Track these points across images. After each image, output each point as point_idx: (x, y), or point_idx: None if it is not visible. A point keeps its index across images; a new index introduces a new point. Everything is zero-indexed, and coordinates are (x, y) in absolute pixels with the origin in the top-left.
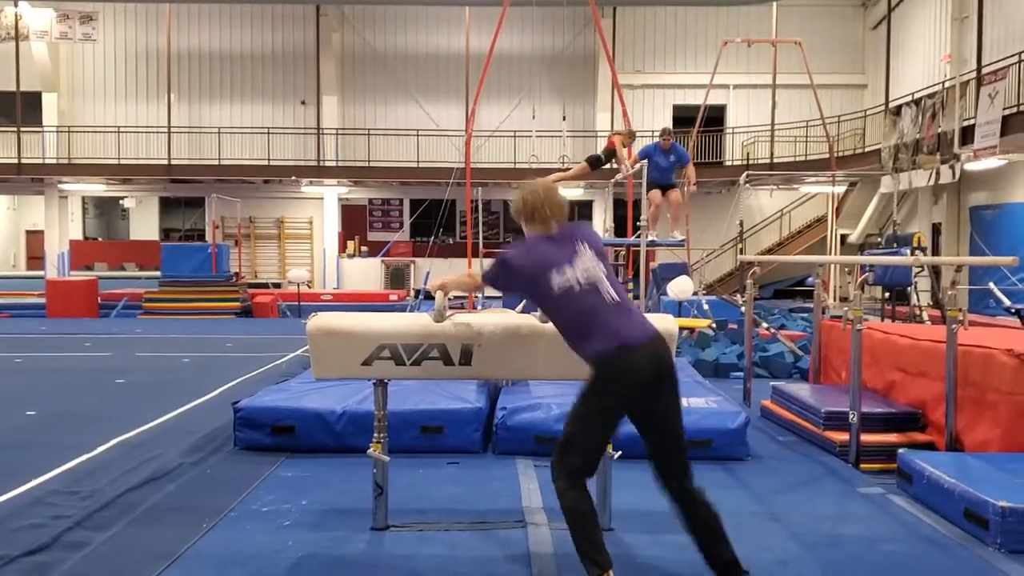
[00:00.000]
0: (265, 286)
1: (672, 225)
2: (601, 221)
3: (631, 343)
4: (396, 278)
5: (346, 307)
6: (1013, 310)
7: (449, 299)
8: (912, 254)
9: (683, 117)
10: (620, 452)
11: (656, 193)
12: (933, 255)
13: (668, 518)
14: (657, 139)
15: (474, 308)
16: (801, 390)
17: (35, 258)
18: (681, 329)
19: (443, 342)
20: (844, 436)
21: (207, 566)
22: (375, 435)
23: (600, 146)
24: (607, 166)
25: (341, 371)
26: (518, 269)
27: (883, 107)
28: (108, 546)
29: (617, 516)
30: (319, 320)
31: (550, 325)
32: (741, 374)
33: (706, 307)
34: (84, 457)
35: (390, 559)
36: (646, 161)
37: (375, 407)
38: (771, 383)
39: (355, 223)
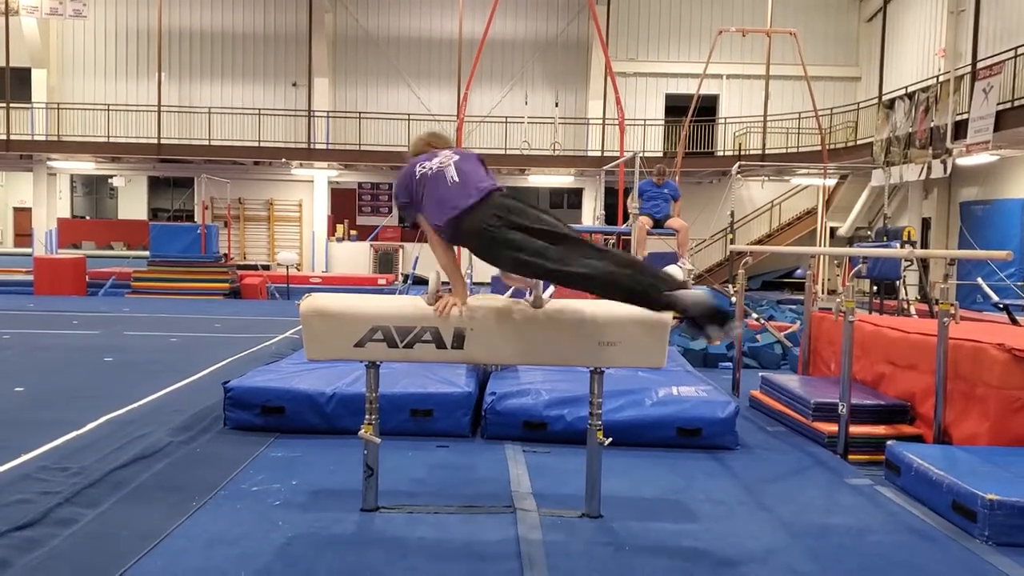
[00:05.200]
0: (254, 268)
1: (681, 251)
2: (592, 209)
3: (457, 213)
4: (384, 262)
5: (335, 290)
6: (1001, 305)
7: (443, 282)
8: (902, 248)
9: (675, 106)
10: (610, 439)
11: (645, 219)
12: (922, 249)
13: (658, 505)
14: (652, 175)
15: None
16: (790, 381)
17: (22, 235)
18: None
19: (436, 325)
20: (833, 427)
21: (196, 545)
22: (367, 417)
23: (593, 135)
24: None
25: (333, 352)
26: (401, 182)
27: (876, 100)
28: (97, 523)
29: (606, 503)
30: (312, 301)
31: (543, 310)
32: (730, 364)
33: None
34: (73, 434)
35: (380, 540)
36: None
37: (367, 389)
38: (760, 374)
39: (344, 207)
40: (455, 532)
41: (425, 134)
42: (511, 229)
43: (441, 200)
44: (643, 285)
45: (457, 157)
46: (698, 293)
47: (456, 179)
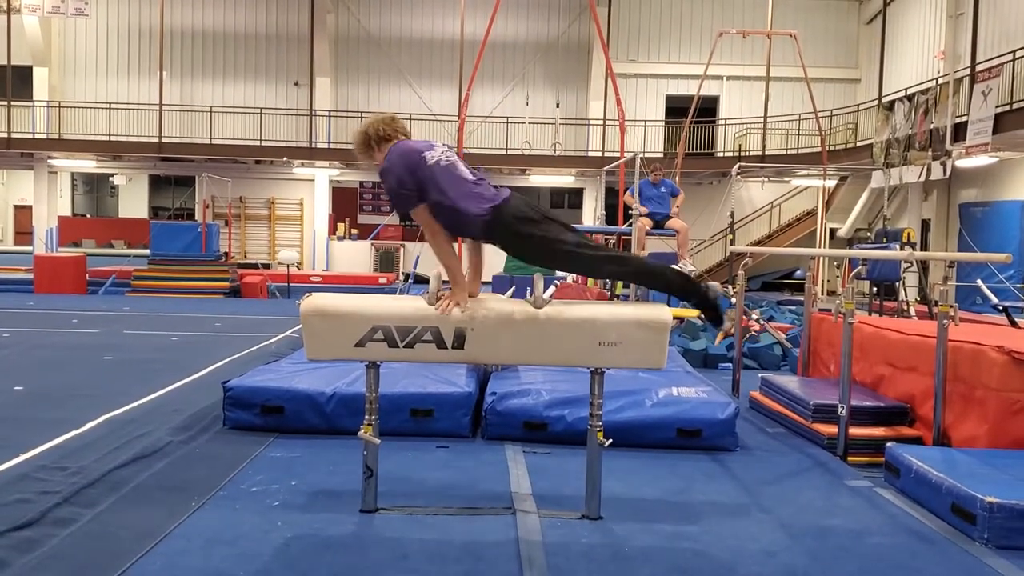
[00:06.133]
0: (255, 267)
1: (681, 252)
2: (592, 209)
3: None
4: (385, 261)
5: (335, 289)
6: (1000, 307)
7: (444, 281)
8: (902, 249)
9: (676, 108)
10: (611, 440)
11: (646, 220)
12: (922, 251)
13: (658, 506)
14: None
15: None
16: (790, 382)
17: (23, 233)
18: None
19: (436, 325)
20: (832, 429)
21: (195, 545)
22: (366, 417)
23: (593, 135)
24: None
25: (334, 352)
26: (407, 167)
27: (876, 102)
28: (96, 523)
29: (606, 504)
30: (313, 301)
31: (543, 311)
32: (730, 365)
33: None
34: (72, 433)
35: (379, 542)
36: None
37: (367, 389)
38: (760, 375)
39: (345, 205)
40: (455, 533)
41: (390, 118)
42: (545, 221)
43: (474, 192)
44: (677, 277)
45: (452, 150)
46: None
47: (472, 173)
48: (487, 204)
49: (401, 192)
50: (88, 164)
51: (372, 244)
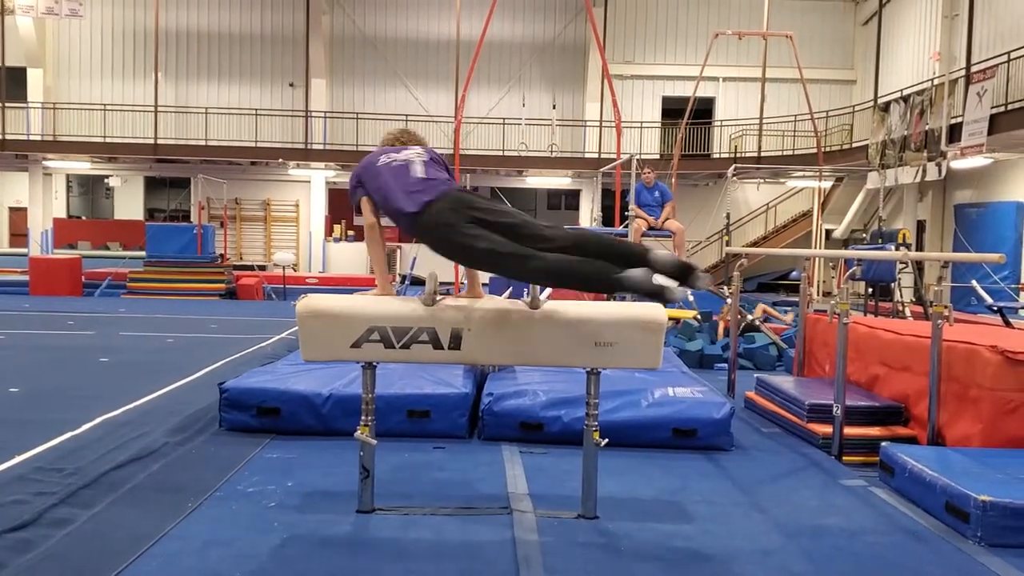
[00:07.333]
0: (250, 268)
1: (678, 253)
2: (589, 211)
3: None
4: None
5: (332, 291)
6: (995, 308)
7: (440, 284)
8: (897, 250)
9: (672, 109)
10: (607, 440)
11: (641, 222)
12: (917, 252)
13: (654, 505)
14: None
15: (460, 293)
16: (785, 382)
17: (18, 235)
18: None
19: (433, 326)
20: (827, 428)
21: (191, 546)
22: (363, 418)
23: (590, 137)
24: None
25: (330, 353)
26: (362, 164)
27: (872, 103)
28: (92, 524)
29: (602, 504)
30: (309, 302)
31: (540, 311)
32: (725, 365)
33: (691, 298)
34: (68, 435)
35: (375, 542)
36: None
37: (363, 390)
38: (755, 375)
39: (342, 207)
40: (451, 534)
41: (396, 130)
42: (469, 223)
43: (406, 191)
44: (593, 271)
45: (427, 156)
46: (663, 253)
47: (420, 174)
48: (420, 202)
49: (350, 186)
50: (83, 166)
51: None
